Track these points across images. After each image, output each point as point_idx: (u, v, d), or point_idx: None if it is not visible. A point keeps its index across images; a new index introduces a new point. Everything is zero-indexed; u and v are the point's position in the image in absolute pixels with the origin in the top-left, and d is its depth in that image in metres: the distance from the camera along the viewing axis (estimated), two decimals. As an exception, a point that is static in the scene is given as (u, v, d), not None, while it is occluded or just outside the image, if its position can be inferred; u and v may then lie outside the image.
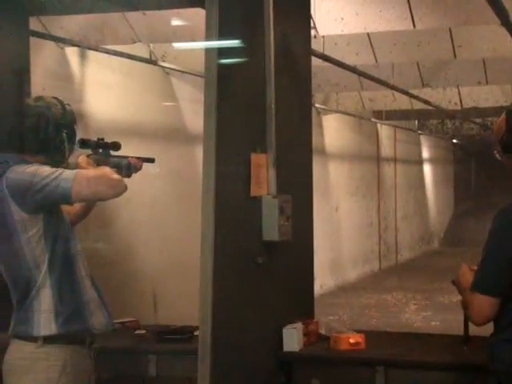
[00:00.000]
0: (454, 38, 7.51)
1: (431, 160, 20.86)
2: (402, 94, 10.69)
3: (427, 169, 20.57)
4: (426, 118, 16.67)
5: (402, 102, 11.90)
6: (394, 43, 7.61)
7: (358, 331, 3.82)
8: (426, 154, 20.32)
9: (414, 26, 6.30)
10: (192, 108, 8.15)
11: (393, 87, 9.68)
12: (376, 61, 7.86)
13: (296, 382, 3.67)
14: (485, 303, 2.77)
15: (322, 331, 3.86)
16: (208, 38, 3.17)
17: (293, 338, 3.64)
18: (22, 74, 4.44)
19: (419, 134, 18.63)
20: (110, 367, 3.67)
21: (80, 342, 3.03)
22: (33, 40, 4.85)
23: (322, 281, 11.99)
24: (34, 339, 2.94)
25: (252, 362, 3.45)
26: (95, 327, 3.06)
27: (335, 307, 11.02)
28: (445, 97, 11.49)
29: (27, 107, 3.06)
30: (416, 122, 17.46)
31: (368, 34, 7.30)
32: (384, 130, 16.32)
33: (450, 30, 7.37)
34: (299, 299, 3.97)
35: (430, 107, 12.07)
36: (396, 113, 13.76)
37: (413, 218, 18.58)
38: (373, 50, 7.67)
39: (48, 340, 2.94)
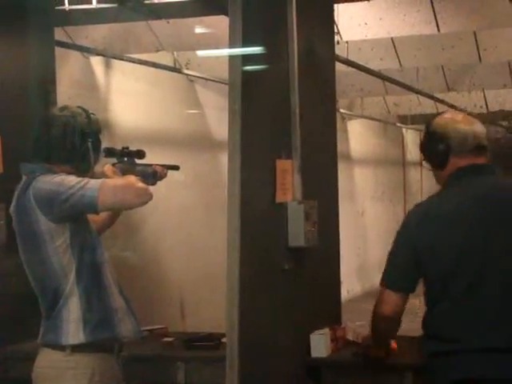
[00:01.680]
0: (479, 42, 7.46)
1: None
2: (427, 98, 10.63)
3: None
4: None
5: (427, 106, 11.83)
6: (418, 47, 7.57)
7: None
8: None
9: (438, 29, 6.26)
10: (216, 115, 8.16)
11: (418, 91, 9.62)
12: (400, 65, 7.83)
13: (324, 388, 3.66)
14: (393, 298, 2.89)
15: (350, 337, 3.84)
16: (232, 45, 3.18)
17: (320, 344, 3.63)
18: (48, 84, 4.48)
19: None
20: (138, 375, 3.68)
21: (108, 350, 3.04)
22: (58, 50, 4.89)
23: (349, 286, 11.94)
24: (62, 348, 2.95)
25: (280, 368, 3.44)
26: (123, 335, 3.07)
27: (363, 312, 10.94)
28: (470, 100, 11.40)
29: (53, 117, 3.08)
30: (441, 125, 17.34)
31: (392, 38, 7.28)
32: (409, 135, 16.24)
33: (474, 33, 7.32)
34: (326, 305, 3.96)
35: (457, 111, 11.98)
36: (421, 117, 13.68)
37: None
38: (397, 55, 7.63)
39: (76, 348, 2.95)
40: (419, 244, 2.84)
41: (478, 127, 2.95)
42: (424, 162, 3.07)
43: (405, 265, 2.87)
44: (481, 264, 2.76)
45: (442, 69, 9.20)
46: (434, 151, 2.97)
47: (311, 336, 3.63)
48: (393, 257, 2.92)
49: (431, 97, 10.43)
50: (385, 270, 2.93)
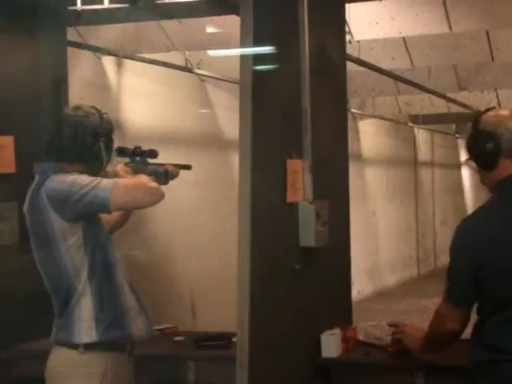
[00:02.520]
0: (492, 41, 7.44)
1: (470, 164, 20.62)
2: (439, 98, 10.60)
3: (466, 173, 20.37)
4: (463, 122, 16.50)
5: (439, 106, 11.80)
6: (430, 47, 7.56)
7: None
8: (464, 157, 20.12)
9: (450, 29, 6.25)
10: (227, 115, 8.18)
11: (429, 91, 9.60)
12: (412, 64, 7.81)
13: (335, 388, 3.66)
14: (456, 314, 2.84)
15: (361, 337, 3.85)
16: (243, 44, 3.19)
17: (331, 344, 3.63)
18: (61, 84, 4.50)
19: (457, 137, 18.46)
20: (148, 374, 3.70)
21: (120, 349, 3.06)
22: (70, 50, 4.92)
23: (360, 286, 11.93)
24: (75, 346, 2.98)
25: (290, 368, 3.45)
26: (135, 334, 3.09)
27: (374, 313, 10.95)
28: (483, 100, 11.36)
29: (65, 116, 3.10)
30: (453, 125, 17.30)
31: (404, 38, 7.27)
32: (421, 134, 16.20)
33: (487, 32, 7.30)
34: (337, 305, 3.96)
35: (467, 111, 11.95)
36: (433, 117, 13.65)
37: (452, 222, 18.40)
38: (409, 54, 7.63)
39: (89, 347, 2.98)
40: (476, 257, 2.76)
41: None
42: (470, 162, 2.93)
43: (466, 279, 2.80)
44: None
45: (454, 68, 9.18)
46: (482, 151, 2.81)
47: (322, 336, 3.64)
48: (453, 273, 2.85)
49: (443, 96, 10.40)
50: (447, 286, 2.87)
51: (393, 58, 7.71)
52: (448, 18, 6.21)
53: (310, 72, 3.58)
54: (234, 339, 3.52)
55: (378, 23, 6.37)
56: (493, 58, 7.69)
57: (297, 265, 3.50)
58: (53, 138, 3.08)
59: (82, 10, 4.55)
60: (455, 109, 11.90)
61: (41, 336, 3.59)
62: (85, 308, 2.97)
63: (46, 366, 3.06)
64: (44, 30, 4.36)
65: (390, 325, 3.55)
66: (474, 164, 2.93)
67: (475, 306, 2.88)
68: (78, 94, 5.27)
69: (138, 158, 3.28)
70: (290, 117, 3.55)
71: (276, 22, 3.43)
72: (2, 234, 4.09)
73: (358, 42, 6.85)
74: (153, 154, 3.31)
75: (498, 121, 2.81)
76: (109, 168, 3.17)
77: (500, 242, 2.74)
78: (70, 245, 2.96)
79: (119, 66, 6.81)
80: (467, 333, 2.92)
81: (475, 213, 2.89)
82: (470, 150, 2.90)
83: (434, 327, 2.99)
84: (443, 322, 2.90)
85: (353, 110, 11.52)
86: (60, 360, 3.02)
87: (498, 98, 11.28)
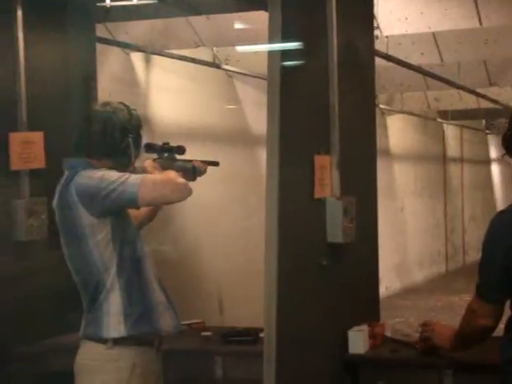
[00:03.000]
0: (522, 35, 7.36)
1: (500, 160, 20.44)
2: (469, 93, 10.52)
3: (495, 169, 20.19)
4: (493, 117, 16.35)
5: (469, 102, 11.71)
6: (459, 42, 7.50)
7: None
8: (494, 153, 19.94)
9: (480, 23, 6.20)
10: (255, 110, 8.18)
11: (459, 86, 9.53)
12: (441, 60, 7.76)
13: (362, 384, 3.65)
14: (487, 309, 2.82)
15: (388, 334, 3.83)
16: (271, 40, 3.19)
17: (358, 341, 3.62)
18: (90, 80, 4.53)
19: (487, 133, 18.30)
20: (176, 369, 3.71)
21: (148, 343, 3.08)
22: (99, 46, 4.95)
23: (388, 283, 11.88)
24: (103, 341, 3.00)
25: (317, 364, 3.45)
26: (163, 329, 3.10)
27: (402, 309, 10.91)
28: (513, 95, 11.27)
29: (95, 113, 3.12)
30: (483, 121, 17.15)
31: (433, 33, 7.21)
32: (450, 130, 16.08)
33: (517, 27, 7.22)
34: (364, 301, 3.95)
35: (497, 106, 11.85)
36: (462, 112, 13.54)
37: (481, 218, 18.25)
38: (438, 49, 7.57)
39: (118, 342, 2.99)
40: (508, 250, 2.75)
41: None
42: (506, 157, 2.94)
43: (499, 275, 2.78)
44: None
45: (484, 63, 9.09)
46: None
47: (349, 332, 3.63)
48: (485, 267, 2.83)
49: (473, 92, 10.32)
50: (479, 282, 2.85)
51: (422, 54, 7.66)
52: (478, 13, 6.16)
53: (338, 67, 3.57)
54: (262, 335, 3.53)
55: (406, 18, 6.34)
56: (523, 53, 7.61)
57: (324, 261, 3.50)
58: (82, 133, 3.11)
59: (111, 7, 4.58)
60: (485, 104, 11.80)
61: (70, 331, 3.62)
62: (113, 303, 2.99)
63: (74, 360, 3.08)
64: (73, 27, 4.39)
65: (422, 325, 3.51)
66: (511, 159, 2.93)
67: (509, 302, 2.84)
68: (107, 90, 5.30)
69: (166, 154, 3.29)
70: (318, 112, 3.54)
71: (304, 18, 3.42)
72: (32, 229, 4.12)
73: (387, 37, 6.81)
74: (181, 150, 3.31)
75: None
76: (137, 164, 3.18)
77: None
78: (99, 240, 2.97)
79: (147, 62, 6.84)
80: (500, 329, 2.88)
81: (510, 206, 2.86)
82: (506, 144, 2.90)
83: (465, 324, 2.96)
84: (474, 319, 2.87)
85: (381, 106, 11.47)
86: (89, 354, 3.04)
87: (528, 93, 11.17)
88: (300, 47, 3.33)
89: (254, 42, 6.38)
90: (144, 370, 3.04)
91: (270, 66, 3.20)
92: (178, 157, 3.33)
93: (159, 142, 3.31)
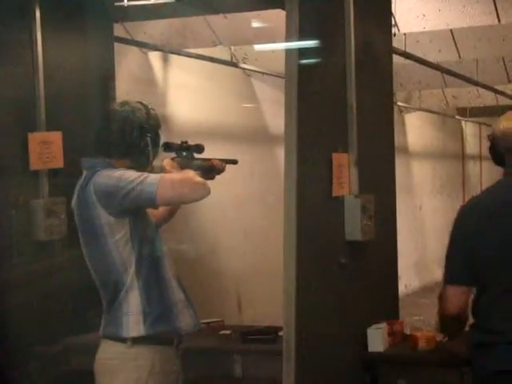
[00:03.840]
0: (541, 32, 7.31)
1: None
2: (487, 90, 10.46)
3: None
4: (512, 114, 16.23)
5: (487, 99, 11.64)
6: (478, 39, 7.45)
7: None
8: (492, 159, 19.79)
9: (498, 20, 6.15)
10: (273, 109, 8.17)
11: (477, 83, 9.47)
12: (459, 57, 7.71)
13: (382, 382, 3.64)
14: (456, 292, 2.87)
15: (408, 331, 3.82)
16: (288, 38, 3.18)
17: (378, 339, 3.62)
18: (108, 80, 4.55)
19: (505, 130, 18.16)
20: (195, 367, 3.72)
21: (168, 342, 3.07)
22: (117, 46, 4.96)
23: (407, 281, 11.84)
24: (123, 340, 3.00)
25: (337, 362, 3.44)
26: (182, 328, 3.10)
27: (421, 307, 10.86)
28: (532, 92, 11.19)
29: (113, 112, 3.12)
30: (502, 118, 17.04)
31: (451, 30, 7.17)
32: (468, 128, 15.99)
33: (536, 23, 7.17)
34: (383, 299, 3.94)
35: (517, 103, 11.77)
36: (481, 109, 13.46)
37: (500, 216, 18.15)
38: (456, 47, 7.53)
39: (137, 341, 2.99)
40: (468, 236, 2.86)
41: None
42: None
43: (461, 257, 2.87)
44: None
45: (503, 60, 9.04)
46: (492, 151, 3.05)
47: (368, 330, 3.62)
48: (449, 251, 2.92)
49: (491, 89, 10.25)
50: (444, 266, 2.93)
51: (439, 51, 7.62)
52: (496, 10, 6.11)
53: (356, 65, 3.56)
54: (281, 333, 3.52)
55: (424, 16, 6.30)
56: (542, 50, 7.56)
57: (343, 259, 3.49)
58: (100, 133, 3.11)
59: (129, 6, 4.58)
60: (503, 101, 11.71)
61: (89, 330, 3.63)
62: (132, 302, 2.99)
63: (94, 359, 3.09)
64: (91, 27, 4.41)
65: None
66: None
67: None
68: (125, 89, 5.31)
69: (184, 153, 3.28)
70: (336, 110, 3.53)
71: (321, 16, 3.41)
72: (51, 228, 4.14)
73: (405, 34, 6.78)
74: (199, 148, 3.31)
75: (501, 120, 3.01)
76: (155, 163, 3.18)
77: (486, 221, 2.83)
78: (118, 240, 2.98)
79: (165, 61, 6.85)
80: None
81: (479, 193, 3.03)
82: (492, 157, 3.07)
83: (438, 311, 3.01)
84: (443, 304, 2.93)
85: (399, 104, 11.42)
86: (108, 353, 3.04)
87: (547, 89, 11.09)
88: (317, 45, 3.32)
89: (272, 41, 6.37)
90: (163, 368, 3.04)
91: (287, 64, 3.19)
92: (197, 156, 3.32)
93: (177, 141, 3.31)
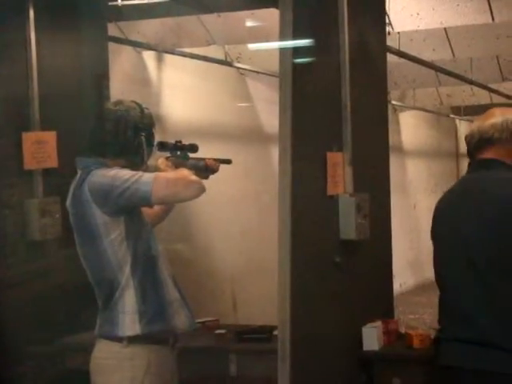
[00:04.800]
0: (535, 30, 7.33)
1: None
2: (481, 89, 10.48)
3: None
4: (506, 113, 16.27)
5: (481, 97, 11.67)
6: (472, 37, 7.47)
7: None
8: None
9: (492, 19, 6.17)
10: (267, 108, 8.17)
11: (471, 82, 9.49)
12: (453, 56, 7.73)
13: (377, 381, 3.65)
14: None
15: (403, 330, 3.83)
16: (282, 37, 3.18)
17: (373, 337, 3.62)
18: (102, 79, 4.55)
19: (499, 128, 18.21)
20: (191, 366, 3.72)
21: (163, 341, 3.08)
22: (111, 45, 4.96)
23: (402, 279, 11.86)
24: (119, 339, 3.01)
25: (332, 361, 3.45)
26: (178, 327, 3.11)
27: (416, 306, 10.89)
28: (526, 90, 11.22)
29: (107, 111, 3.13)
30: (496, 116, 17.08)
31: (445, 28, 7.18)
32: (463, 126, 16.02)
33: (530, 22, 7.19)
34: (378, 298, 3.95)
35: (510, 101, 11.79)
36: (475, 108, 13.49)
37: (494, 214, 18.18)
38: (450, 45, 7.54)
39: (133, 340, 3.00)
40: (432, 234, 3.03)
41: (490, 120, 2.95)
42: None
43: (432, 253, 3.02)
44: (467, 258, 2.81)
45: (497, 58, 9.06)
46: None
47: (363, 329, 3.63)
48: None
49: (485, 87, 10.28)
50: None
51: (434, 50, 7.64)
52: (490, 8, 6.13)
53: (350, 64, 3.56)
54: (276, 332, 3.53)
55: (418, 14, 6.32)
56: (536, 48, 7.58)
57: (337, 258, 3.49)
58: (95, 132, 3.11)
59: (123, 6, 4.58)
60: (497, 99, 11.74)
61: (85, 329, 3.63)
62: (128, 301, 3.00)
63: (90, 358, 3.09)
64: (85, 27, 4.41)
65: None
66: None
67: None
68: (119, 88, 5.30)
69: (178, 153, 3.29)
70: (330, 109, 3.54)
71: (315, 15, 3.42)
72: (45, 228, 4.14)
73: (399, 33, 6.79)
74: (193, 148, 3.32)
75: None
76: (150, 162, 3.19)
77: (439, 220, 2.99)
78: (113, 239, 2.98)
79: (159, 60, 6.85)
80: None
81: (453, 185, 3.16)
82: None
83: None
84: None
85: (393, 102, 11.44)
86: (104, 353, 3.05)
87: (541, 88, 11.12)
88: (311, 44, 3.32)
89: (266, 40, 6.37)
90: (159, 368, 3.05)
91: (281, 63, 3.20)
92: (191, 155, 3.33)
93: (172, 141, 3.31)
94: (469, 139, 3.00)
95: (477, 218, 2.82)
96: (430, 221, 3.11)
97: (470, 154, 3.03)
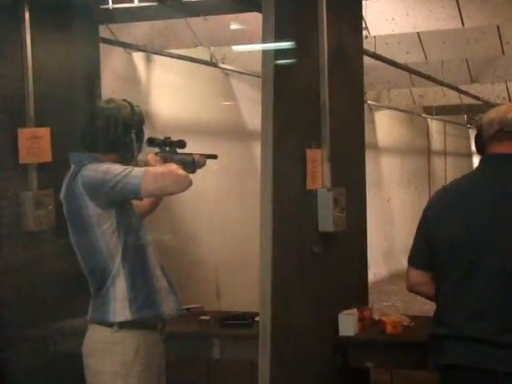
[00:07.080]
0: (502, 35, 7.37)
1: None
2: (452, 90, 10.53)
3: (476, 161, 20.19)
4: (475, 113, 16.36)
5: (452, 98, 11.72)
6: (443, 41, 7.51)
7: (413, 316, 3.82)
8: (474, 146, 19.94)
9: (462, 24, 6.21)
10: (250, 107, 8.18)
11: (442, 83, 9.54)
12: (426, 58, 7.77)
13: (352, 364, 3.68)
14: (411, 273, 2.90)
15: (376, 317, 3.86)
16: (265, 40, 3.19)
17: (348, 324, 3.65)
18: (94, 79, 4.54)
19: (468, 127, 18.32)
20: (176, 350, 3.73)
21: (152, 327, 3.09)
22: (102, 46, 4.95)
23: (376, 269, 11.91)
24: (110, 324, 3.01)
25: (310, 346, 3.47)
26: (166, 313, 3.11)
27: (389, 294, 10.94)
28: (493, 92, 11.28)
29: (99, 109, 3.12)
30: (465, 116, 17.18)
31: (418, 33, 7.22)
32: (434, 125, 16.11)
33: (497, 27, 7.24)
34: (354, 286, 3.97)
35: (478, 102, 11.87)
36: (446, 108, 13.56)
37: (463, 208, 18.25)
38: (423, 49, 7.58)
39: (123, 325, 3.00)
40: (432, 224, 2.82)
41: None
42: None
43: (420, 244, 2.86)
44: (475, 254, 2.67)
45: (466, 61, 9.12)
46: (476, 139, 2.92)
47: (339, 316, 3.65)
48: (415, 236, 2.92)
49: (455, 88, 10.33)
50: (410, 249, 2.94)
51: (407, 53, 7.67)
52: (461, 15, 6.17)
53: (329, 66, 3.58)
54: (257, 318, 3.55)
55: (393, 19, 6.34)
56: (503, 52, 7.63)
57: (316, 248, 3.51)
58: (87, 129, 3.11)
59: (114, 9, 4.57)
60: (467, 100, 11.81)
61: (78, 315, 3.63)
62: (119, 289, 3.00)
63: (83, 342, 3.09)
64: (78, 28, 4.39)
65: None
66: None
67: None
68: (110, 87, 5.30)
69: (167, 148, 3.29)
70: (310, 108, 3.55)
71: (296, 19, 3.43)
72: (40, 219, 4.14)
73: (375, 37, 6.81)
74: (181, 144, 3.32)
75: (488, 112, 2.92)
76: (140, 157, 3.19)
77: (445, 214, 2.78)
78: (105, 230, 2.98)
79: (148, 61, 6.84)
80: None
81: (447, 184, 2.97)
82: (477, 148, 2.98)
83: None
84: (408, 284, 2.95)
85: (369, 102, 11.48)
86: (96, 337, 3.05)
87: (507, 89, 11.19)
88: (292, 47, 3.33)
89: (249, 42, 6.38)
90: (148, 351, 3.06)
91: (263, 64, 3.20)
92: (179, 150, 3.33)
93: (161, 137, 3.31)
94: (486, 127, 2.80)
95: (495, 214, 2.65)
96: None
97: (482, 142, 2.84)
